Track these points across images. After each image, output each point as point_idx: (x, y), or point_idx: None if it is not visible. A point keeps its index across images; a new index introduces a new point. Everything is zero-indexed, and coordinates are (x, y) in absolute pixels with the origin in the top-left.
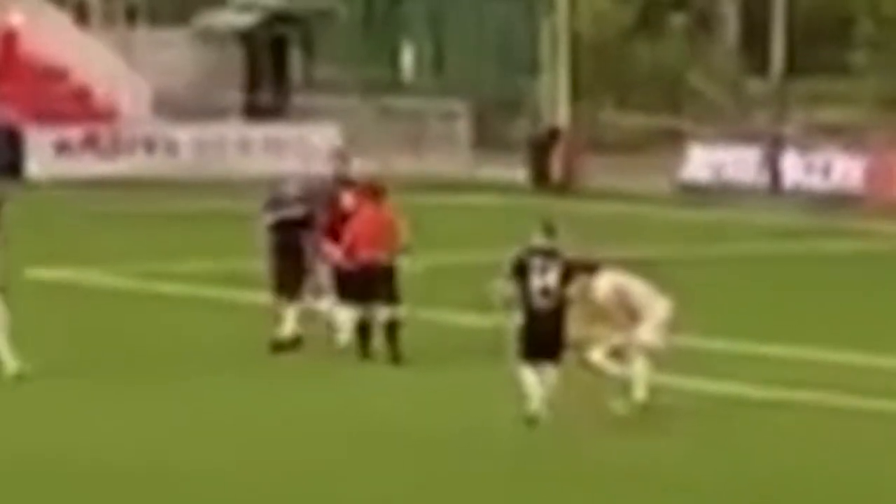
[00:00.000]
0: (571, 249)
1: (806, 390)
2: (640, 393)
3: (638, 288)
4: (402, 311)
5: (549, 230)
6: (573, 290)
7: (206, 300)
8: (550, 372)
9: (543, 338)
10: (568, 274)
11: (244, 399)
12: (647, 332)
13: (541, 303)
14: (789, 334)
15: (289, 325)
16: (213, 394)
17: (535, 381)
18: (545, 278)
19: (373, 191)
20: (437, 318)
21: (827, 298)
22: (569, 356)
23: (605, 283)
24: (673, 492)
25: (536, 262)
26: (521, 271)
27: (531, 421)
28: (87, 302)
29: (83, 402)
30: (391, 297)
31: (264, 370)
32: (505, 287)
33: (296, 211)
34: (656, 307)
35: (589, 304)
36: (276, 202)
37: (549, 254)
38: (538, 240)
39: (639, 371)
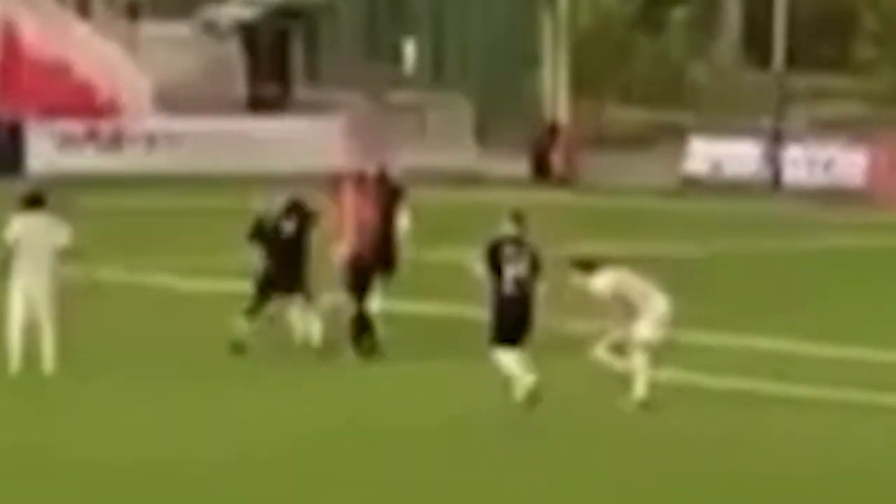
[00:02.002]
0: (571, 244)
1: (807, 385)
2: (640, 388)
3: (636, 284)
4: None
5: (518, 219)
6: (573, 282)
7: (207, 295)
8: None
9: (513, 323)
10: (536, 263)
11: (233, 395)
12: (646, 328)
13: (512, 290)
14: (790, 329)
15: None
16: (207, 391)
17: (515, 360)
18: (517, 268)
19: (362, 183)
20: (437, 311)
21: (827, 293)
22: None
23: (603, 280)
24: (667, 487)
25: (508, 251)
26: (493, 259)
27: (532, 398)
28: (89, 297)
29: (80, 399)
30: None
31: (261, 368)
32: (480, 269)
33: (288, 228)
34: (655, 303)
35: (589, 300)
36: (260, 229)
37: (519, 243)
38: (508, 228)
39: (639, 366)
